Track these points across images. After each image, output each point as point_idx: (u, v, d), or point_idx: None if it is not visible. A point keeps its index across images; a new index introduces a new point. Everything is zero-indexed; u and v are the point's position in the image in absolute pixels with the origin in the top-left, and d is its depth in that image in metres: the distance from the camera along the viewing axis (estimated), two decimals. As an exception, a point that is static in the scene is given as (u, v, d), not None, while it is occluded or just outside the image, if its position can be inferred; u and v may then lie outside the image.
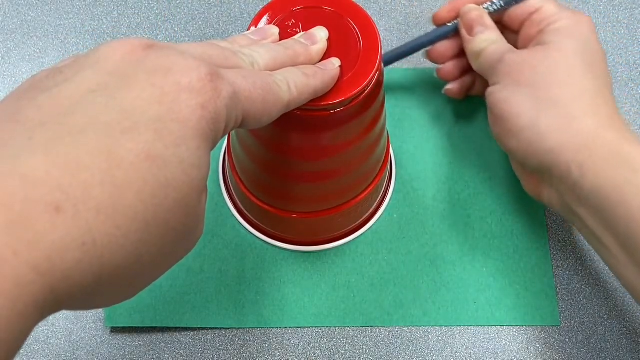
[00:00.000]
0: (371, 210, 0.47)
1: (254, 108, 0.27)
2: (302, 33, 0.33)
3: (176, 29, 0.55)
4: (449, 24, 0.46)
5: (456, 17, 0.46)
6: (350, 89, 0.33)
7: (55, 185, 0.20)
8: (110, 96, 0.22)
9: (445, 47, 0.47)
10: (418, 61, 0.54)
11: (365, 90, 0.34)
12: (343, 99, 0.32)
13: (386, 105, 0.52)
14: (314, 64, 0.32)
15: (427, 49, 0.48)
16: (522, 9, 0.44)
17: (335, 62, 0.33)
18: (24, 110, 0.22)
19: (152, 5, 0.56)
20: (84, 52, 0.25)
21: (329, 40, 0.33)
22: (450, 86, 0.48)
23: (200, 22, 0.55)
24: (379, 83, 0.36)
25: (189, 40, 0.55)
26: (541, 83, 0.39)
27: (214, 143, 0.25)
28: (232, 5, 0.56)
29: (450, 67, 0.47)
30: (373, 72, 0.33)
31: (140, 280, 0.24)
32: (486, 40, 0.43)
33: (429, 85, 0.53)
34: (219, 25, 0.55)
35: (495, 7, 0.45)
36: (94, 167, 0.20)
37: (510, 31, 0.45)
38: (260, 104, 0.27)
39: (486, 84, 0.43)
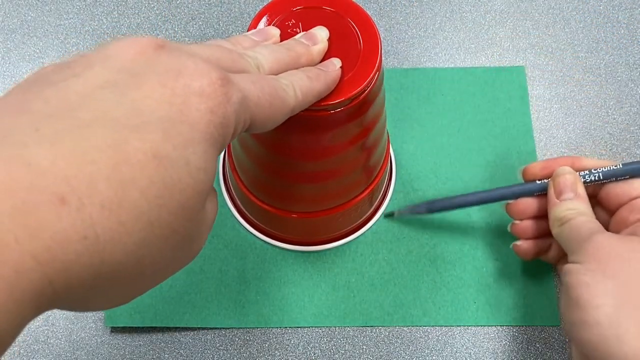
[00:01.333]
0: (371, 210, 0.47)
1: (261, 113, 0.27)
2: (302, 33, 0.33)
3: (176, 29, 0.55)
4: (537, 182, 0.42)
5: (548, 176, 0.42)
6: (350, 90, 0.33)
7: (61, 177, 0.19)
8: (120, 93, 0.22)
9: (527, 204, 0.43)
10: (418, 61, 0.54)
11: (365, 91, 0.34)
12: (343, 99, 0.32)
13: (386, 105, 0.52)
14: (315, 64, 0.32)
15: (509, 202, 0.44)
16: (622, 189, 0.40)
17: (336, 63, 0.33)
18: (31, 103, 0.22)
19: (152, 5, 0.56)
20: (92, 49, 0.25)
21: (329, 40, 0.33)
22: (520, 243, 0.44)
23: (200, 22, 0.55)
24: (379, 83, 0.36)
25: (188, 40, 0.55)
26: (631, 280, 0.35)
27: (221, 148, 0.25)
28: (232, 5, 0.56)
29: (528, 225, 0.43)
30: (373, 73, 0.33)
31: (138, 283, 0.24)
32: (573, 209, 0.39)
33: (429, 85, 0.53)
34: (219, 25, 0.55)
35: (592, 178, 0.41)
36: (101, 161, 0.20)
37: (603, 209, 0.42)
38: (268, 109, 0.27)
39: (562, 253, 0.40)
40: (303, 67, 0.31)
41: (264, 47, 0.31)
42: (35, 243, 0.19)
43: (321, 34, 0.33)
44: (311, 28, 0.34)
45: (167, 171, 0.22)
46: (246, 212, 0.47)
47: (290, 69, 0.31)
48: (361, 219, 0.47)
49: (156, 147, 0.22)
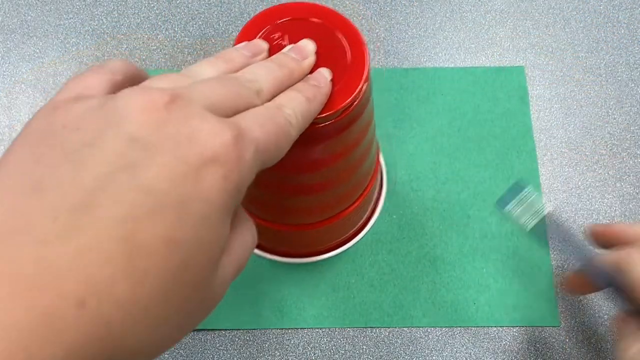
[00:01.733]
0: (363, 220, 0.47)
1: (269, 156, 0.27)
2: (290, 46, 0.33)
3: (176, 29, 0.55)
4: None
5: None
6: (338, 102, 0.32)
7: (82, 278, 0.20)
8: (133, 174, 0.22)
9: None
10: (418, 61, 0.54)
11: (354, 103, 0.33)
12: (332, 112, 0.32)
13: (386, 105, 0.52)
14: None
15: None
16: None
17: (327, 75, 0.32)
18: (45, 180, 0.21)
19: (152, 5, 0.56)
20: (99, 99, 0.24)
21: (316, 52, 0.33)
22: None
23: (200, 22, 0.55)
24: (368, 94, 0.35)
25: (188, 40, 0.55)
26: None
27: (234, 207, 0.25)
28: (232, 5, 0.56)
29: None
30: (361, 84, 0.33)
31: (153, 352, 0.24)
32: None
33: (429, 85, 0.53)
34: (219, 25, 0.55)
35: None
36: (118, 257, 0.21)
37: None
38: (274, 149, 0.27)
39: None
40: (296, 82, 0.31)
41: (260, 67, 0.30)
42: (57, 348, 0.19)
43: (309, 47, 0.33)
44: (298, 41, 0.33)
45: (179, 254, 0.22)
46: None
47: (285, 87, 0.30)
48: (353, 229, 0.46)
49: (169, 231, 0.22)
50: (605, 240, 0.40)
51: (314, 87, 0.31)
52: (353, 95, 0.32)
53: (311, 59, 0.32)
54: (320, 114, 0.32)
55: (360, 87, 0.32)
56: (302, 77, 0.31)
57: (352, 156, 0.38)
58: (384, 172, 0.49)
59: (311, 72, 0.32)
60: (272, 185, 0.39)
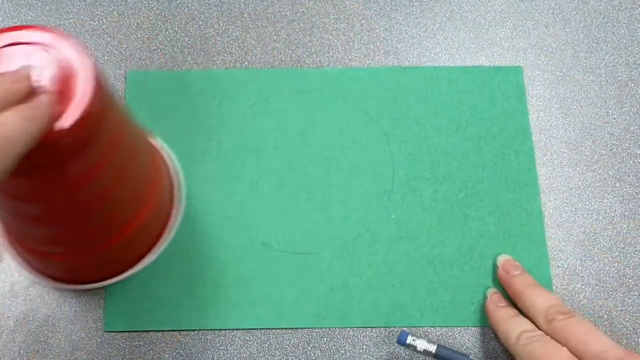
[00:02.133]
0: (155, 235, 0.46)
1: None
2: (6, 72, 0.31)
3: (176, 29, 0.55)
4: None
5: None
6: (69, 119, 0.31)
7: None
8: None
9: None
10: (418, 60, 0.54)
11: (87, 115, 0.32)
12: (66, 128, 0.31)
13: (385, 104, 0.52)
14: (23, 102, 0.31)
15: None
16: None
17: (47, 97, 0.31)
18: None
19: (152, 5, 0.56)
20: None
21: (39, 75, 0.32)
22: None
23: (200, 22, 0.55)
24: (103, 111, 0.34)
25: (188, 40, 0.55)
26: None
27: None
28: (232, 5, 0.56)
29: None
30: (90, 98, 0.32)
31: None
32: None
33: (427, 84, 0.53)
34: (219, 25, 0.55)
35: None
36: None
37: None
38: None
39: None
40: (12, 105, 0.30)
41: None
42: None
43: (24, 70, 0.32)
44: (14, 66, 0.32)
45: None
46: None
47: (0, 108, 0.29)
48: (147, 243, 0.46)
49: None
50: (509, 293, 0.46)
51: (32, 108, 0.30)
52: (84, 108, 0.32)
53: (27, 82, 0.31)
54: (54, 134, 0.31)
55: (89, 100, 0.32)
56: (19, 100, 0.30)
57: (107, 175, 0.37)
58: (177, 184, 0.48)
59: (31, 96, 0.31)
60: (46, 217, 0.37)
